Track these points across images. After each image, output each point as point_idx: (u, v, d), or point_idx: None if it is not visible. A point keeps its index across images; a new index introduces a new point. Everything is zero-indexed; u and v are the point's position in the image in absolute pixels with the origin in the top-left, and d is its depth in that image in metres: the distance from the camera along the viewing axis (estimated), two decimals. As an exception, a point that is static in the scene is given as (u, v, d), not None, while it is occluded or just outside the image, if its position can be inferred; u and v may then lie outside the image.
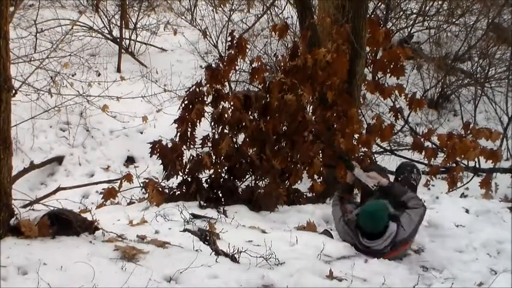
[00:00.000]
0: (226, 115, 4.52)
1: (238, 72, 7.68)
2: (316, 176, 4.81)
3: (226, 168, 4.61)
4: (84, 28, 9.39)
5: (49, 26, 9.16)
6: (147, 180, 4.54)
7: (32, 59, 7.54)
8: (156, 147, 4.51)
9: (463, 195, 5.50)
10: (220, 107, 4.56)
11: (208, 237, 3.27)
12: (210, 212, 3.99)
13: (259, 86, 4.96)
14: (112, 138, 7.80)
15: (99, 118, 7.81)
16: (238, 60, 4.93)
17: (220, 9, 9.74)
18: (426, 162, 5.21)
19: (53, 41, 8.36)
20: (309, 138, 4.69)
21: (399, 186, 3.96)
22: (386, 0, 8.67)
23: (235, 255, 3.06)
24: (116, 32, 9.68)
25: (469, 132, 5.06)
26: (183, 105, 4.56)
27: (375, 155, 5.93)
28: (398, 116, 5.31)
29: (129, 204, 4.75)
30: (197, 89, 4.54)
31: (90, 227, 3.11)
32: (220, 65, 4.73)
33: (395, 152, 6.61)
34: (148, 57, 9.77)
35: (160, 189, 4.45)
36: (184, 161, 4.55)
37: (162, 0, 11.47)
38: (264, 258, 3.04)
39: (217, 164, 4.54)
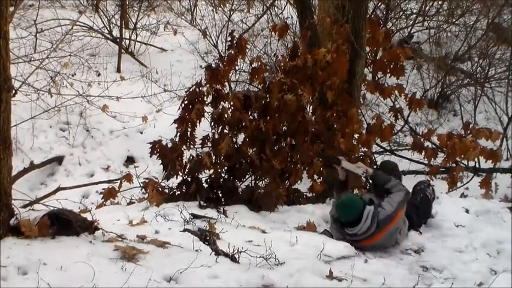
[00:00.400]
0: (226, 115, 4.52)
1: (238, 72, 7.68)
2: (316, 176, 4.81)
3: (226, 168, 4.61)
4: (84, 28, 9.38)
5: (49, 26, 9.16)
6: (147, 180, 4.54)
7: (32, 59, 7.53)
8: (156, 147, 4.51)
9: (463, 195, 5.49)
10: (220, 107, 4.56)
11: (208, 237, 3.27)
12: (210, 212, 3.99)
13: (259, 86, 4.96)
14: (112, 138, 7.80)
15: (99, 118, 7.81)
16: (238, 60, 4.93)
17: (220, 9, 9.74)
18: (426, 162, 5.22)
19: (53, 41, 8.35)
20: (309, 138, 4.69)
21: (383, 174, 4.09)
22: (386, 0, 8.66)
23: (235, 255, 3.06)
24: (115, 32, 9.68)
25: (469, 132, 5.06)
26: (183, 105, 4.56)
27: (375, 155, 5.92)
28: (398, 116, 5.31)
29: (129, 204, 4.75)
30: (197, 89, 4.54)
31: (90, 227, 3.11)
32: (220, 65, 4.73)
33: (395, 152, 6.61)
34: (148, 57, 9.76)
35: (160, 189, 4.45)
36: (184, 161, 4.55)
37: (162, 0, 11.47)
38: (264, 258, 3.04)
39: (217, 164, 4.54)
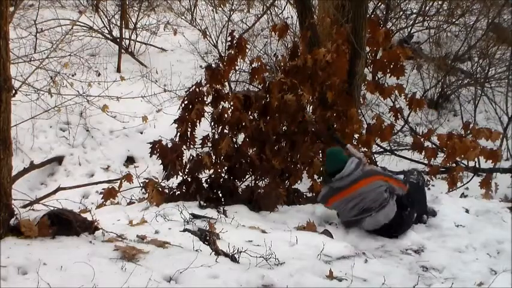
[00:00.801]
0: (226, 115, 4.52)
1: (238, 72, 7.69)
2: (316, 176, 4.81)
3: (226, 168, 4.61)
4: (84, 28, 9.39)
5: (49, 26, 9.16)
6: (147, 180, 4.54)
7: (32, 59, 7.54)
8: (156, 147, 4.51)
9: (463, 195, 5.50)
10: (220, 107, 4.56)
11: (208, 237, 3.27)
12: (210, 212, 3.99)
13: (259, 86, 4.96)
14: (112, 138, 7.80)
15: (99, 118, 7.81)
16: (238, 60, 4.93)
17: (220, 9, 9.74)
18: (426, 162, 5.22)
19: (53, 41, 8.36)
20: (309, 138, 4.69)
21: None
22: (386, 0, 8.67)
23: (235, 255, 3.06)
24: (116, 32, 9.68)
25: (469, 132, 5.06)
26: (183, 105, 4.56)
27: (375, 155, 5.93)
28: (398, 116, 5.31)
29: (129, 204, 4.76)
30: (197, 89, 4.54)
31: (90, 227, 3.11)
32: (220, 65, 4.73)
33: (395, 152, 6.60)
34: (148, 57, 9.77)
35: (160, 189, 4.45)
36: (184, 161, 4.55)
37: (162, 0, 11.48)
38: (264, 258, 3.04)
39: (217, 164, 4.54)
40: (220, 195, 4.56)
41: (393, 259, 3.56)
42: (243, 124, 4.49)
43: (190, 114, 4.50)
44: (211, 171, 4.56)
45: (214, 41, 8.73)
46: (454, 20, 9.42)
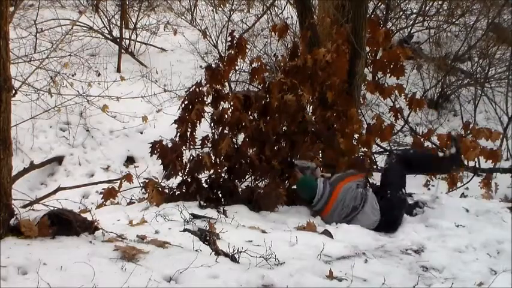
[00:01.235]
0: (226, 115, 4.52)
1: (238, 72, 7.69)
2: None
3: (226, 168, 4.60)
4: (84, 28, 9.39)
5: (49, 26, 9.17)
6: (147, 180, 4.53)
7: (32, 59, 7.54)
8: (156, 147, 4.51)
9: (463, 195, 5.50)
10: (220, 107, 4.56)
11: (208, 237, 3.27)
12: (210, 212, 3.98)
13: (259, 86, 4.95)
14: (112, 138, 7.81)
15: (99, 118, 7.81)
16: (238, 60, 4.93)
17: (220, 9, 9.74)
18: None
19: (53, 41, 8.37)
20: (309, 138, 4.69)
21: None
22: (386, 0, 8.66)
23: (235, 255, 3.05)
24: (116, 32, 9.69)
25: (469, 132, 5.05)
26: (183, 105, 4.55)
27: (375, 155, 5.93)
28: (398, 116, 5.31)
29: (129, 204, 4.75)
30: (197, 89, 4.54)
31: (90, 227, 3.10)
32: (220, 65, 4.73)
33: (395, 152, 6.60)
34: (148, 57, 9.78)
35: (160, 189, 4.45)
36: (184, 161, 4.55)
37: (162, 0, 11.48)
38: (264, 258, 3.04)
39: (217, 164, 4.54)
40: (220, 195, 4.55)
41: (393, 259, 3.55)
42: (243, 124, 4.49)
43: (191, 114, 4.50)
44: (211, 171, 4.56)
45: (214, 41, 8.74)
46: (454, 20, 9.42)
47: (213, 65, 4.80)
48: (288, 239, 3.50)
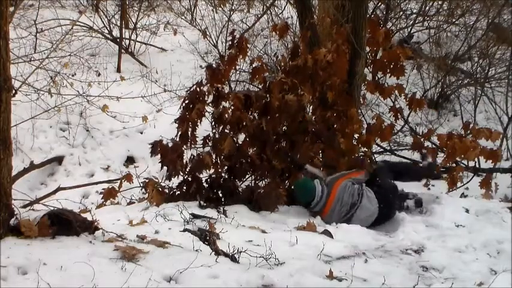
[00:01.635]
0: (226, 115, 4.52)
1: (238, 72, 7.69)
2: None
3: (226, 168, 4.61)
4: (84, 28, 9.39)
5: (49, 26, 9.17)
6: (147, 180, 4.53)
7: (32, 59, 7.54)
8: (157, 147, 4.51)
9: (463, 195, 5.49)
10: (221, 106, 4.56)
11: (208, 237, 3.27)
12: (210, 212, 3.99)
13: (260, 86, 4.96)
14: (112, 138, 7.80)
15: (99, 118, 7.81)
16: (239, 59, 4.93)
17: (220, 9, 9.74)
18: (426, 162, 5.22)
19: (53, 41, 8.36)
20: (309, 138, 4.69)
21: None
22: (386, 0, 8.66)
23: (235, 255, 3.06)
24: (116, 32, 9.68)
25: (469, 132, 5.05)
26: (183, 104, 4.55)
27: (375, 155, 5.93)
28: (398, 116, 5.31)
29: (129, 204, 4.75)
30: (198, 89, 4.54)
31: (90, 227, 3.10)
32: (221, 64, 4.73)
33: (395, 152, 6.61)
34: (148, 57, 9.77)
35: (160, 189, 4.45)
36: (185, 161, 4.55)
37: (162, 0, 11.48)
38: (264, 258, 3.04)
39: (218, 164, 4.54)
40: (221, 195, 4.56)
41: (393, 259, 3.55)
42: (244, 124, 4.49)
43: (191, 113, 4.50)
44: (212, 171, 4.56)
45: (214, 41, 8.74)
46: (454, 20, 9.41)
47: (214, 65, 4.80)
48: (288, 239, 3.50)
